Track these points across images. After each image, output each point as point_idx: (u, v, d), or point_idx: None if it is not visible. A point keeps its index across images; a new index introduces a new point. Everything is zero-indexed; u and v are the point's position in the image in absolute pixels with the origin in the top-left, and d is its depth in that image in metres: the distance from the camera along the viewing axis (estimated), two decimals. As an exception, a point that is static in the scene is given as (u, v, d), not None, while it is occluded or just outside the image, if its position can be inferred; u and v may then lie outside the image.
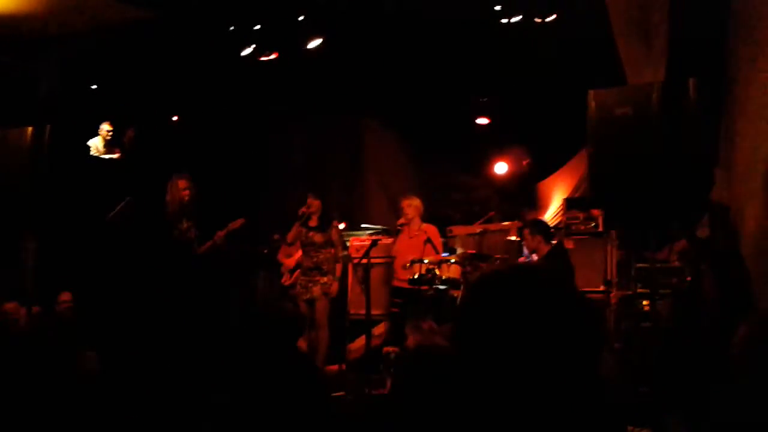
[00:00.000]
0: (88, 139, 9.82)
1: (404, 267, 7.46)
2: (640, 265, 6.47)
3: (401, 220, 7.76)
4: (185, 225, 7.56)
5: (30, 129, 6.49)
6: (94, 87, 10.18)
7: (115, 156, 9.87)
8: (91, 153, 9.76)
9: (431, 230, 7.79)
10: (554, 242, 7.10)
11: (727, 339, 2.32)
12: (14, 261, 7.09)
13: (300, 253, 8.22)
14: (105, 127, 9.81)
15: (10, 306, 6.52)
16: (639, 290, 6.47)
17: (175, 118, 11.10)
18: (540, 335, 1.37)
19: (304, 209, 7.60)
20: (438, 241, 7.76)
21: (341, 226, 9.35)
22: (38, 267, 6.77)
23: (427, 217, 8.00)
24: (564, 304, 1.41)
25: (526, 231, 6.93)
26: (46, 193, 6.32)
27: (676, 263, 6.45)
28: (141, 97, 9.92)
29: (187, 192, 7.55)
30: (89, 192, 8.62)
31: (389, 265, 8.17)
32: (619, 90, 5.35)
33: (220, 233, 7.55)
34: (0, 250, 7.37)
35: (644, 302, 6.21)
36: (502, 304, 1.40)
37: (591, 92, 5.06)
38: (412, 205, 7.76)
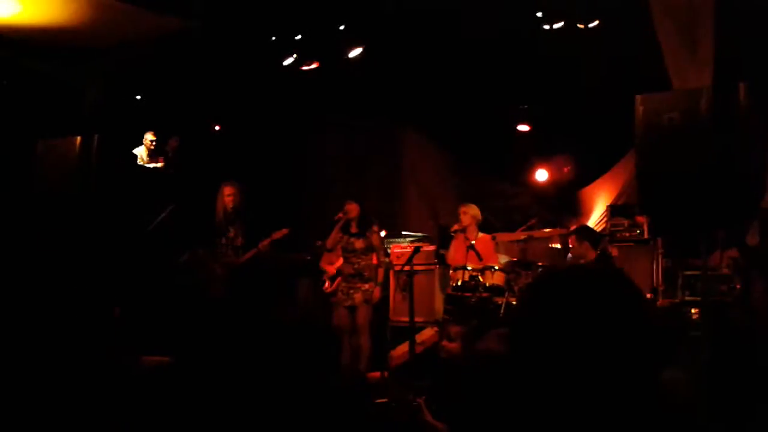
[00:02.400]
0: (132, 149, 9.96)
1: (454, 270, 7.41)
2: (689, 272, 6.38)
3: (455, 227, 7.67)
4: (232, 233, 7.65)
5: (78, 139, 6.62)
6: (138, 97, 10.33)
7: (158, 165, 10.00)
8: (137, 162, 9.91)
9: (481, 239, 7.67)
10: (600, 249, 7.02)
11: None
12: (63, 268, 7.21)
13: (341, 260, 8.24)
14: (148, 137, 9.95)
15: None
16: (686, 298, 6.37)
17: (217, 128, 11.22)
18: (598, 337, 1.34)
19: (341, 214, 7.60)
20: (487, 250, 7.62)
21: (382, 233, 9.36)
22: (87, 274, 6.87)
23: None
24: (628, 306, 1.38)
25: (573, 237, 6.84)
26: (95, 201, 6.44)
27: (726, 271, 6.34)
28: (184, 106, 10.05)
29: (231, 198, 7.64)
30: (134, 200, 8.74)
31: (431, 273, 8.14)
32: (667, 95, 5.27)
33: (264, 242, 7.64)
34: (50, 258, 7.51)
35: (693, 310, 6.12)
36: (563, 304, 1.38)
37: (638, 97, 5.00)
38: (468, 213, 7.65)
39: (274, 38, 8.89)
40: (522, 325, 1.43)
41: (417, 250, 7.37)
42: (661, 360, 1.43)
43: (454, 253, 7.75)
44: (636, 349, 1.36)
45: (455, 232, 7.68)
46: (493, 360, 2.35)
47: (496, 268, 7.25)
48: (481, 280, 7.12)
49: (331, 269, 8.77)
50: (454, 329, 4.87)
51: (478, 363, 2.42)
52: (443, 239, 8.89)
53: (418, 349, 7.66)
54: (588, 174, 10.42)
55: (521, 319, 1.44)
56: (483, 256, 7.44)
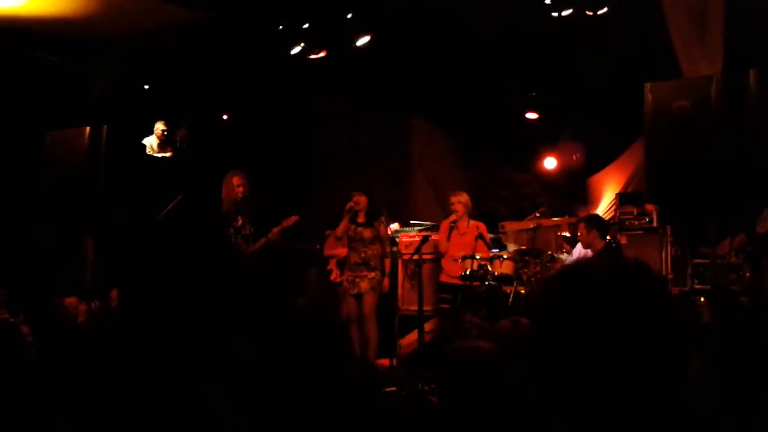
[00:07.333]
0: (141, 139, 9.98)
1: (455, 260, 7.41)
2: (698, 260, 6.35)
3: (453, 217, 7.69)
4: (240, 221, 7.69)
5: (87, 129, 6.66)
6: (146, 87, 10.34)
7: (168, 154, 10.02)
8: (147, 152, 9.93)
9: (481, 227, 7.74)
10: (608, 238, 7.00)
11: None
12: (74, 257, 7.27)
13: (343, 249, 8.25)
14: (159, 127, 9.95)
15: (70, 301, 6.66)
16: (696, 286, 6.35)
17: (225, 117, 11.24)
18: (623, 332, 1.34)
19: (351, 204, 7.65)
20: (487, 237, 7.70)
21: (395, 225, 9.37)
22: (98, 263, 6.92)
23: (475, 214, 7.95)
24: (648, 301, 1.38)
25: (582, 225, 6.82)
26: (105, 190, 6.48)
27: (734, 259, 6.32)
28: (193, 96, 10.06)
29: (240, 189, 7.68)
30: (144, 190, 8.77)
31: (440, 262, 8.14)
32: (677, 83, 5.25)
33: (274, 230, 7.69)
34: (61, 247, 7.56)
35: (701, 299, 6.10)
36: (582, 301, 1.38)
37: (648, 85, 4.98)
38: (462, 201, 7.72)
39: (281, 27, 8.87)
40: (542, 332, 1.43)
41: (425, 239, 7.37)
42: (688, 351, 1.42)
43: (450, 241, 7.73)
44: (666, 340, 1.36)
45: (454, 222, 7.67)
46: (478, 357, 2.35)
47: (505, 257, 7.26)
48: (490, 269, 7.13)
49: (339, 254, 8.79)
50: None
51: (461, 360, 2.41)
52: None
53: (427, 337, 7.68)
54: (597, 162, 10.39)
55: (540, 327, 1.44)
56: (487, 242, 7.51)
